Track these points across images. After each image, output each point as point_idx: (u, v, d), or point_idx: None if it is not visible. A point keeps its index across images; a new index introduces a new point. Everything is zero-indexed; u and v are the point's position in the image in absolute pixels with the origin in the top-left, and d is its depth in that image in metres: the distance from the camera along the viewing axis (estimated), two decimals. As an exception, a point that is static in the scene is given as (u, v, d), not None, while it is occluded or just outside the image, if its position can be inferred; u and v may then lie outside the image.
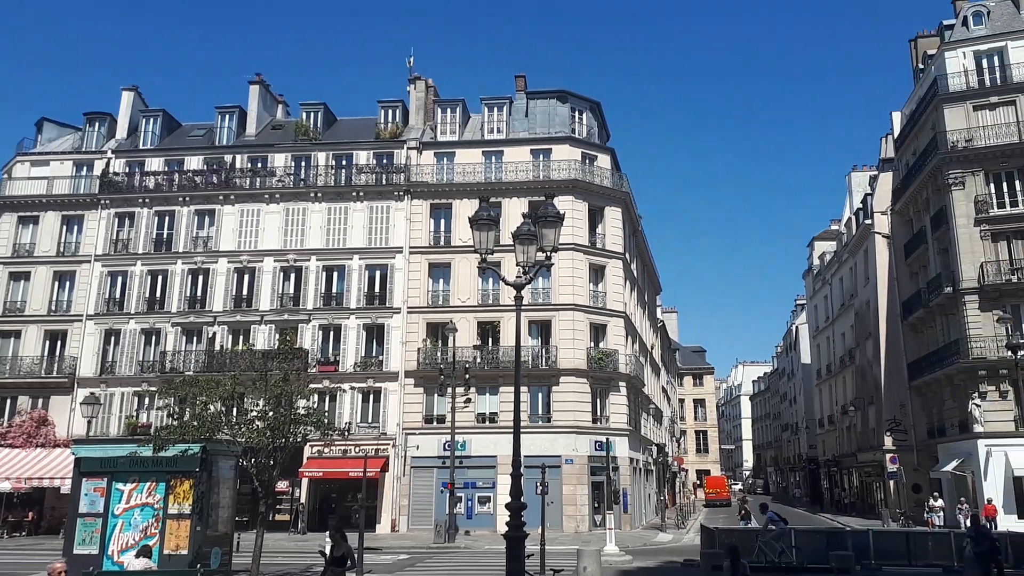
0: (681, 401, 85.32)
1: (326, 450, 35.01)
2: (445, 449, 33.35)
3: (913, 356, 41.83)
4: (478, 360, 35.67)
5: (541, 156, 38.99)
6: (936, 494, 35.32)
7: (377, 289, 37.90)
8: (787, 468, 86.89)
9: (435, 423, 36.05)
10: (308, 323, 37.47)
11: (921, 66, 43.96)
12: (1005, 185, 35.33)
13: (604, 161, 40.12)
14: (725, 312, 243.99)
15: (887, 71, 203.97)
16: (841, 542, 20.38)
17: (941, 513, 33.64)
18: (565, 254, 36.33)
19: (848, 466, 54.58)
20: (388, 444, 35.85)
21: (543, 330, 36.78)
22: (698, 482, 76.07)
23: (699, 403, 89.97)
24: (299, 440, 21.49)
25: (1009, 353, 29.82)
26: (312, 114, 42.47)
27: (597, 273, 38.36)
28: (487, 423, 35.74)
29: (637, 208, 44.42)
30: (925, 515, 34.14)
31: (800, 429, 75.65)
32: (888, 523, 36.78)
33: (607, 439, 32.55)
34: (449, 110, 41.40)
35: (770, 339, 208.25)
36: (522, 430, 35.53)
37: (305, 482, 35.33)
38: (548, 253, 12.92)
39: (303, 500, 35.34)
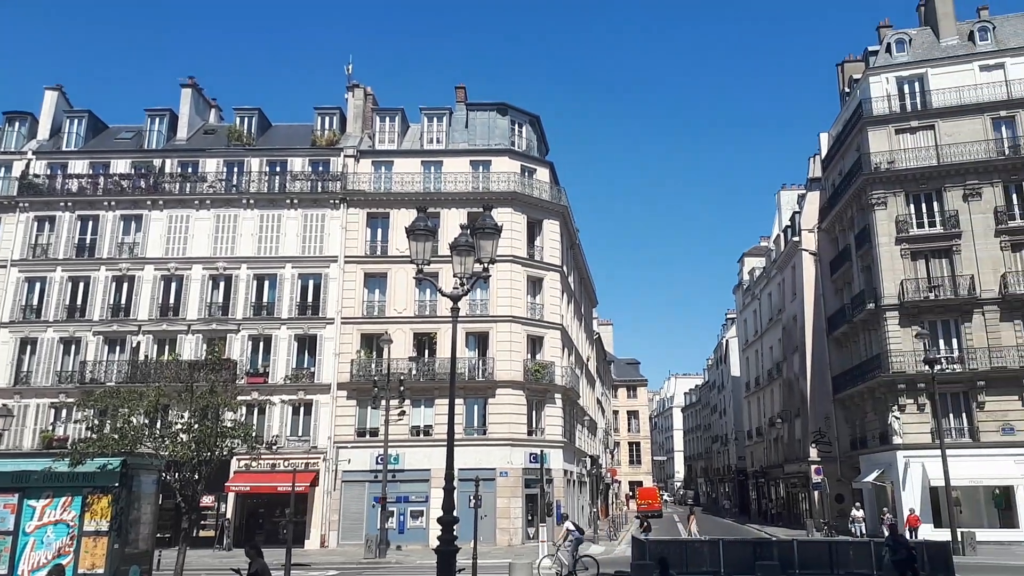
0: (615, 413, 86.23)
1: (254, 464, 33.91)
2: (378, 463, 32.82)
3: (837, 370, 43.24)
4: (414, 372, 35.33)
5: (480, 168, 39.01)
6: (858, 504, 36.50)
7: (310, 299, 37.20)
8: (717, 479, 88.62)
9: (368, 436, 35.50)
10: (237, 333, 36.48)
11: (847, 90, 45.71)
12: (924, 206, 36.91)
13: (543, 174, 40.39)
14: (659, 325, 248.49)
15: (817, 93, 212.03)
16: (767, 552, 20.79)
17: (863, 523, 34.77)
18: (503, 266, 36.45)
19: (775, 477, 55.96)
20: (319, 458, 35.12)
21: (480, 342, 36.68)
22: (631, 493, 76.86)
23: (633, 415, 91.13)
24: (225, 454, 20.89)
25: (926, 367, 31.13)
26: (246, 119, 41.57)
27: (535, 285, 38.50)
28: (422, 436, 35.38)
29: (575, 221, 44.85)
30: (849, 525, 35.22)
31: (730, 440, 77.30)
32: (812, 533, 37.79)
33: (542, 451, 32.61)
34: (388, 119, 41.07)
35: (702, 352, 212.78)
36: (457, 443, 35.19)
37: (232, 497, 34.30)
38: (485, 265, 12.87)
39: (229, 515, 34.28)
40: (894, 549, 16.99)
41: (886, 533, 24.97)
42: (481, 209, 13.91)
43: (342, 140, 40.40)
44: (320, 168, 39.25)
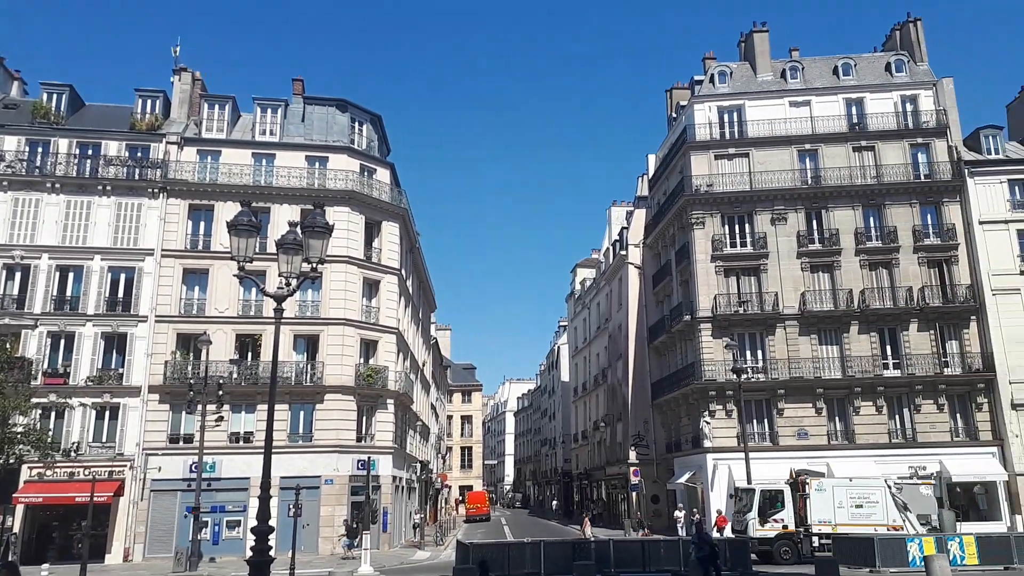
0: (449, 418, 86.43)
1: (48, 473, 30.97)
2: (192, 471, 30.78)
3: (656, 376, 45.77)
4: (235, 375, 33.52)
5: (317, 164, 37.75)
6: (681, 505, 38.61)
7: (121, 294, 34.33)
8: (544, 482, 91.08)
9: (182, 443, 33.24)
10: (34, 329, 32.99)
11: (674, 115, 48.62)
12: (737, 227, 39.88)
13: (383, 175, 39.76)
14: (497, 330, 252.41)
15: (649, 115, 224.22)
16: (585, 552, 21.55)
17: (684, 523, 36.55)
18: (338, 267, 35.48)
19: (598, 479, 58.33)
20: (125, 466, 32.43)
21: (310, 345, 35.43)
22: (460, 498, 77.28)
23: (466, 419, 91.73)
24: (12, 461, 18.74)
25: (734, 376, 33.63)
26: (55, 95, 37.78)
27: (371, 288, 37.76)
28: (241, 443, 33.59)
29: (415, 225, 44.52)
30: (677, 526, 36.82)
31: (557, 444, 79.74)
32: (630, 532, 39.65)
33: (369, 458, 31.94)
34: (218, 106, 38.77)
35: (537, 357, 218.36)
36: (282, 450, 33.88)
37: (20, 509, 30.86)
38: (314, 265, 12.35)
39: (16, 529, 30.80)
40: (699, 546, 18.12)
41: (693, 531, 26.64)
42: (320, 206, 13.36)
43: (165, 125, 37.72)
44: (139, 154, 36.37)
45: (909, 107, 40.79)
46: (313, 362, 34.83)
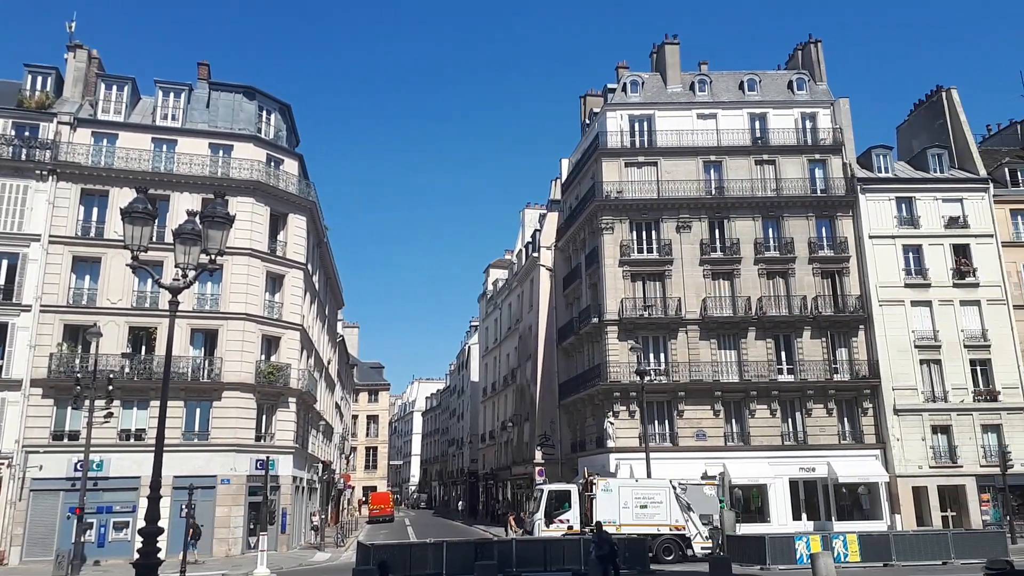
0: (355, 417, 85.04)
1: (-88, 472, 28.69)
2: (77, 469, 29.12)
3: (564, 377, 46.34)
4: (127, 370, 31.92)
5: (221, 152, 36.40)
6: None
7: (3, 282, 32.15)
8: (451, 482, 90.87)
9: (67, 440, 31.42)
10: (-99, 316, 30.51)
11: (588, 121, 49.36)
12: (644, 234, 40.79)
13: (291, 166, 38.71)
14: (408, 329, 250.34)
15: (565, 120, 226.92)
16: (488, 552, 21.57)
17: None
18: (240, 260, 34.32)
19: (504, 479, 58.58)
20: (2, 464, 30.37)
21: (209, 340, 34.12)
22: (364, 499, 76.12)
23: (372, 419, 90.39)
24: None
25: (638, 378, 34.36)
26: (-68, 64, 35.04)
27: (275, 282, 36.69)
28: (132, 440, 32.02)
29: (324, 218, 43.57)
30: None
31: (465, 444, 79.67)
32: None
33: (268, 457, 31.04)
34: (116, 87, 36.82)
35: (447, 357, 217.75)
36: (175, 448, 32.53)
37: None
38: (213, 256, 11.85)
39: None
40: (599, 545, 18.39)
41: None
42: (221, 196, 12.84)
43: (57, 104, 35.57)
44: (26, 133, 34.16)
45: (808, 124, 42.73)
46: (211, 358, 33.56)
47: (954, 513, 37.27)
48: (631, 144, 42.26)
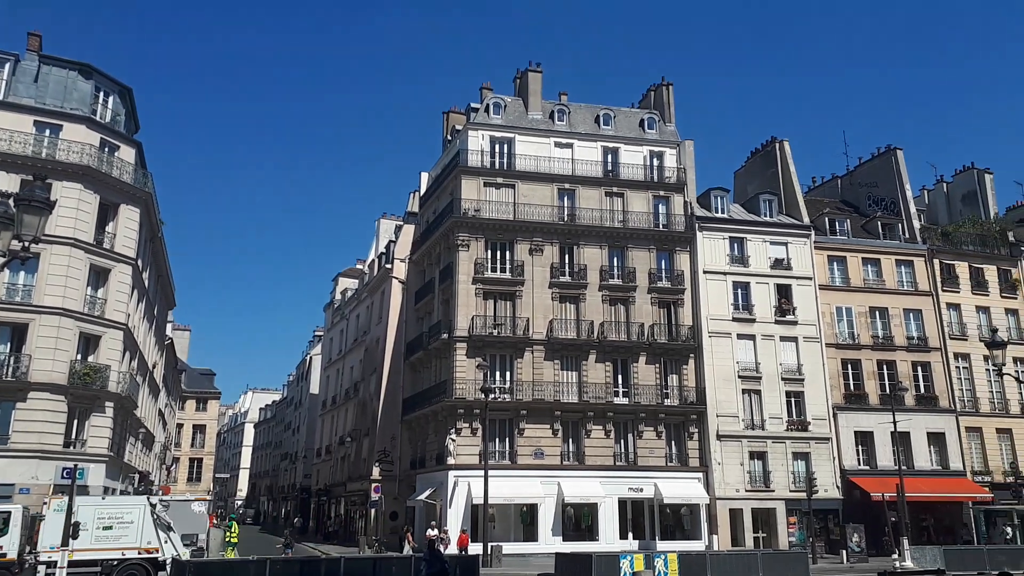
0: (180, 426, 79.84)
1: None
2: None
3: (409, 392, 45.82)
4: (-87, 362, 28.23)
5: (48, 132, 33.32)
6: (433, 523, 37.18)
7: None
8: (281, 497, 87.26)
9: None
10: None
11: (450, 137, 49.51)
12: (499, 253, 41.30)
13: (128, 154, 36.02)
14: (245, 336, 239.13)
15: (427, 133, 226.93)
16: (315, 570, 20.77)
17: (439, 541, 35.52)
18: (61, 249, 31.47)
19: (338, 495, 56.94)
20: None
21: (16, 335, 30.89)
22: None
23: (199, 429, 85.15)
24: None
25: (482, 395, 34.58)
26: None
27: (99, 276, 33.83)
28: (-87, 442, 28.30)
29: (160, 212, 40.78)
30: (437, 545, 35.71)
31: (299, 458, 76.83)
32: (365, 550, 38.96)
33: (76, 466, 28.31)
34: (-75, 46, 32.87)
35: (286, 367, 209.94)
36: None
37: None
38: (27, 244, 10.79)
39: None
40: (430, 562, 18.17)
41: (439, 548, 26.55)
42: (45, 179, 11.65)
43: None
44: None
45: (656, 162, 45.05)
46: (18, 354, 30.38)
47: (765, 534, 40.06)
48: (491, 164, 42.79)
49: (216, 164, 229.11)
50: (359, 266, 68.43)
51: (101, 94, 35.98)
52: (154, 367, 48.37)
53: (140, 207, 35.97)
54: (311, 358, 79.80)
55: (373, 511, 43.31)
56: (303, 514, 67.91)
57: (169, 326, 60.61)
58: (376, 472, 45.36)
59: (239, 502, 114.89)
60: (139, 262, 36.85)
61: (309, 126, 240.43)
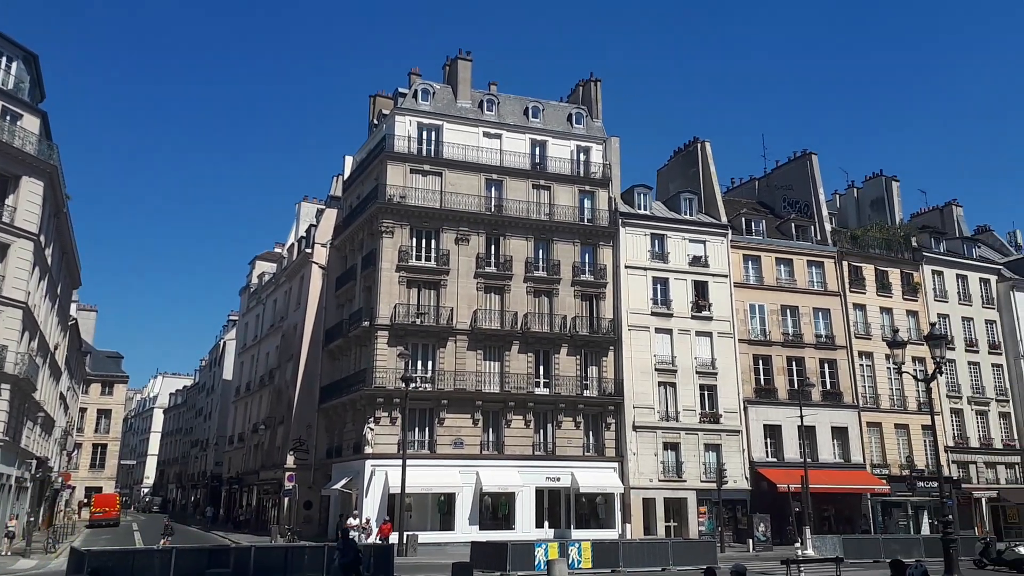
0: (83, 410, 76.25)
1: None
2: None
3: (327, 380, 44.99)
4: None
5: (-58, 95, 31.15)
6: (356, 512, 36.22)
7: None
8: (191, 485, 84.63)
9: None
10: None
11: (376, 121, 48.67)
12: (424, 242, 40.91)
13: (31, 123, 34.02)
14: (157, 319, 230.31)
15: (353, 116, 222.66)
16: (223, 559, 20.18)
17: (361, 531, 33.73)
18: (-46, 220, 29.45)
19: (250, 483, 55.57)
20: None
21: (-99, 308, 28.81)
22: (86, 500, 68.35)
23: (104, 414, 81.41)
24: None
25: (403, 384, 34.25)
26: None
27: (-3, 251, 31.87)
28: None
29: (66, 187, 38.69)
30: (352, 533, 34.11)
31: (210, 446, 74.64)
32: (277, 539, 38.15)
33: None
34: None
35: (198, 352, 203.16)
36: None
37: None
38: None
39: None
40: (344, 552, 17.91)
41: (360, 537, 26.11)
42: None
43: None
44: None
45: (583, 157, 45.47)
46: (-97, 331, 28.37)
47: (676, 523, 41.15)
48: (418, 151, 42.33)
49: (132, 141, 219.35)
50: (278, 250, 66.70)
51: (3, 59, 33.91)
52: (56, 348, 46.01)
53: (44, 180, 34.03)
54: (225, 343, 77.48)
55: (287, 500, 42.46)
56: (214, 503, 65.95)
57: (74, 306, 57.77)
58: (291, 460, 44.42)
59: (145, 490, 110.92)
60: (42, 238, 34.89)
61: (231, 104, 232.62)
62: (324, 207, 53.75)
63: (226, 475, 64.01)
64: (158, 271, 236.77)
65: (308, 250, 50.29)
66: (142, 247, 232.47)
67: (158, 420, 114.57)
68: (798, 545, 35.22)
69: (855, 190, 58.14)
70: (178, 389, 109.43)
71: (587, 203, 44.62)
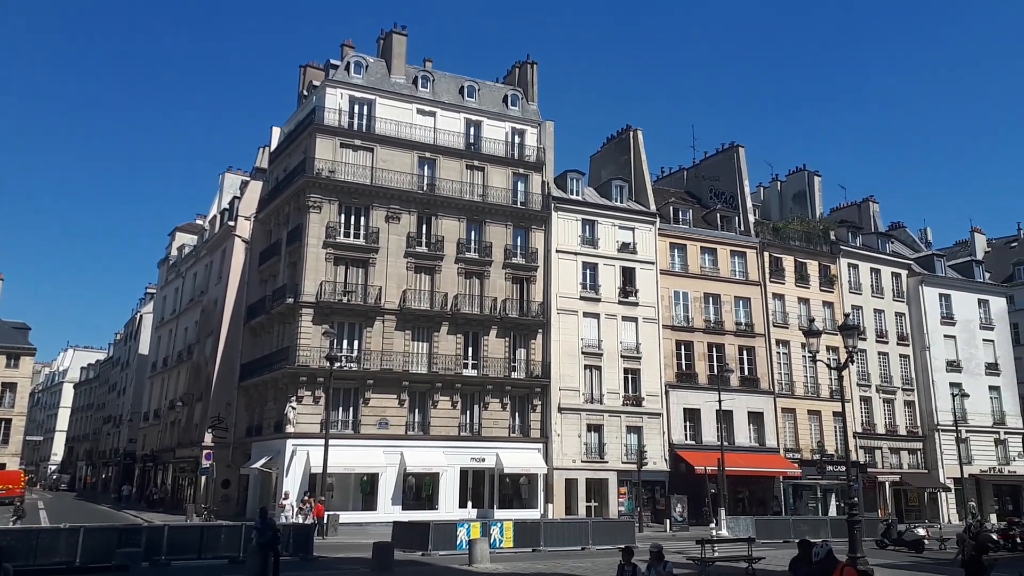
0: (-14, 384, 72.44)
1: None
2: None
3: (248, 358, 43.89)
4: None
5: None
6: (286, 492, 34.86)
7: None
8: (102, 463, 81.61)
9: None
10: None
11: (306, 93, 47.43)
12: (353, 218, 40.17)
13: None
14: (67, 288, 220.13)
15: (282, 86, 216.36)
16: (134, 538, 19.50)
17: (291, 511, 33.19)
18: None
19: (166, 461, 53.97)
20: None
21: None
22: (-17, 477, 65.04)
23: (9, 387, 77.29)
24: None
25: (327, 363, 33.67)
26: None
27: None
28: None
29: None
30: (280, 514, 32.13)
31: (124, 422, 72.08)
32: (192, 518, 37.17)
33: None
34: None
35: (113, 325, 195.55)
36: None
37: None
38: None
39: None
40: (261, 531, 17.55)
41: (288, 518, 25.51)
42: None
43: None
44: None
45: (517, 139, 45.39)
46: None
47: (597, 503, 41.91)
48: (349, 125, 41.47)
49: (43, 98, 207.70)
50: (199, 221, 64.51)
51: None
52: (-45, 317, 43.46)
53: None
54: (142, 316, 74.68)
55: (204, 479, 41.35)
56: (127, 481, 63.72)
57: (-24, 273, 54.64)
58: (208, 439, 43.20)
59: (53, 467, 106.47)
60: (-59, 198, 32.77)
61: (153, 65, 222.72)
62: (249, 179, 52.11)
63: (140, 453, 61.93)
64: (70, 237, 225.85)
65: (231, 223, 48.76)
66: (53, 211, 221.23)
67: (68, 395, 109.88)
68: (713, 526, 36.34)
69: (779, 183, 59.86)
70: (90, 363, 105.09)
71: (520, 186, 44.61)
